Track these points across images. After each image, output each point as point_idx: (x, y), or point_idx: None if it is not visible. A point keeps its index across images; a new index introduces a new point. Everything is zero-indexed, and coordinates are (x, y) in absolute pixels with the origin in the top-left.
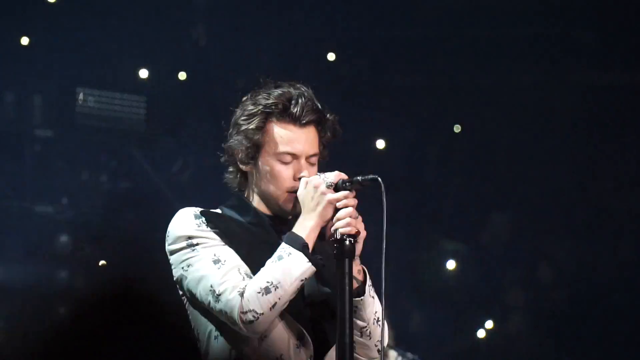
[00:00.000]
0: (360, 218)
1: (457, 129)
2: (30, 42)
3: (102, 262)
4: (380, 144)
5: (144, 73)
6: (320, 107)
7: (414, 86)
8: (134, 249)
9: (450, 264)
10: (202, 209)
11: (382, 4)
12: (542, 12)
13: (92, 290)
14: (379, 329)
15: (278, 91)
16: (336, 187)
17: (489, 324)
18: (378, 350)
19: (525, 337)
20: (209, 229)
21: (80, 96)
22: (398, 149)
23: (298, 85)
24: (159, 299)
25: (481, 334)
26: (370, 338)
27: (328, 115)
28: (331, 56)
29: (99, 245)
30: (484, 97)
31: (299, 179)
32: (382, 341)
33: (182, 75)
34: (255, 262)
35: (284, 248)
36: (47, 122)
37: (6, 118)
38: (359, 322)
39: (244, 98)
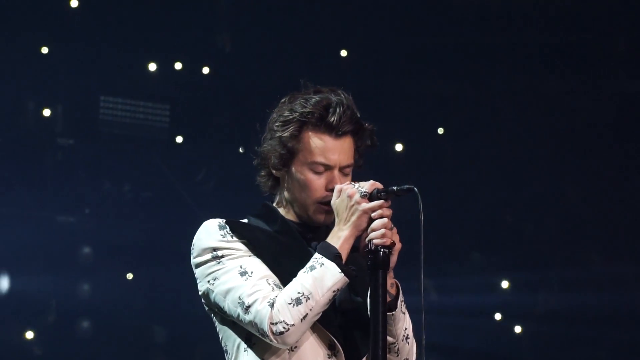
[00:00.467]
0: (395, 229)
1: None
2: (50, 51)
3: (129, 275)
4: (399, 147)
5: (162, 77)
6: (358, 116)
7: (440, 93)
8: (157, 260)
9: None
10: (227, 219)
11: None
12: (573, 19)
13: (115, 303)
14: (407, 347)
15: (316, 98)
16: (370, 197)
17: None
18: None
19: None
20: (234, 239)
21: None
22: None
23: (338, 91)
24: (184, 310)
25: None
26: (398, 355)
27: (366, 125)
28: (344, 53)
29: (122, 256)
30: (512, 105)
31: (331, 190)
32: (411, 359)
33: (205, 70)
34: (283, 272)
35: (316, 258)
36: (69, 130)
37: (28, 127)
38: (388, 338)
39: (282, 100)
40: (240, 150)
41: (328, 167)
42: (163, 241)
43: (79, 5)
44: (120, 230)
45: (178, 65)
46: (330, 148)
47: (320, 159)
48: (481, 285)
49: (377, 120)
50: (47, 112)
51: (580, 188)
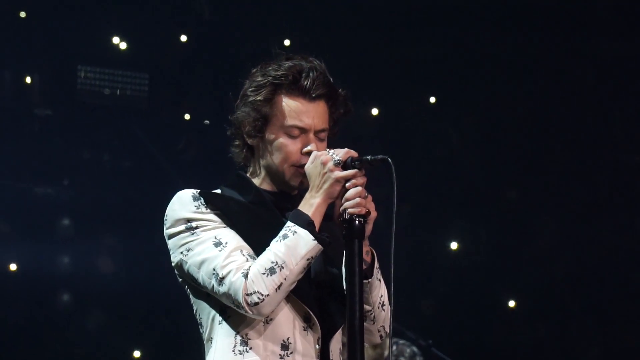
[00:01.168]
0: (370, 197)
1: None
2: (27, 16)
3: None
4: (375, 111)
5: (141, 46)
6: (331, 81)
7: (425, 57)
8: (137, 230)
9: (454, 245)
10: (200, 190)
11: None
12: None
13: (94, 277)
14: (383, 314)
15: (289, 63)
16: (345, 165)
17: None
18: (381, 336)
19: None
20: (208, 210)
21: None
22: (405, 120)
23: (310, 59)
24: (165, 284)
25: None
26: (374, 322)
27: (340, 91)
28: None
29: (102, 226)
30: (498, 69)
31: (307, 153)
32: (387, 326)
33: (183, 38)
34: (257, 243)
35: (288, 226)
36: (46, 100)
37: (3, 96)
38: (364, 306)
39: (254, 70)
40: (206, 122)
41: (303, 131)
42: (143, 210)
43: None
44: (100, 200)
45: (158, 34)
46: (305, 111)
47: (295, 121)
48: None
49: (358, 85)
50: (24, 81)
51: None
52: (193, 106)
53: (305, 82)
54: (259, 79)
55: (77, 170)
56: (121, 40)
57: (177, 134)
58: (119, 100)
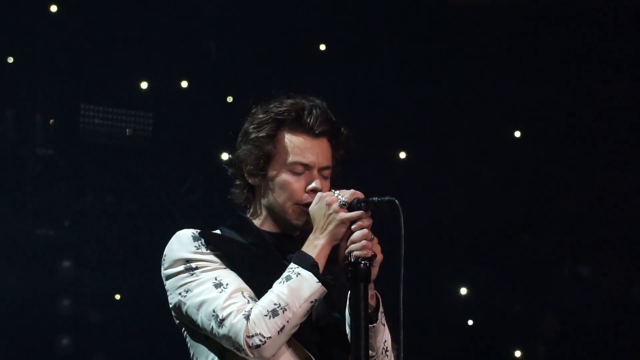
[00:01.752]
0: (376, 240)
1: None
2: (28, 56)
3: (117, 297)
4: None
5: (145, 85)
6: (334, 119)
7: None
8: (143, 275)
9: (463, 290)
10: (200, 231)
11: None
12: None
13: (99, 321)
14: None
15: (290, 100)
16: (350, 207)
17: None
18: None
19: None
20: (209, 251)
21: (127, 132)
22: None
23: (311, 98)
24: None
25: None
26: None
27: (342, 130)
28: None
29: (105, 271)
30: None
31: (311, 190)
32: None
33: (184, 84)
34: (259, 285)
35: (292, 268)
36: (49, 140)
37: (6, 136)
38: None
39: (254, 110)
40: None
41: (307, 167)
42: (149, 254)
43: (57, 10)
44: (104, 243)
45: (162, 71)
46: (309, 147)
47: (298, 158)
48: None
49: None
50: (25, 121)
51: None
52: (199, 144)
53: (309, 119)
54: (261, 116)
55: (80, 212)
56: (127, 79)
57: (182, 175)
58: (122, 139)
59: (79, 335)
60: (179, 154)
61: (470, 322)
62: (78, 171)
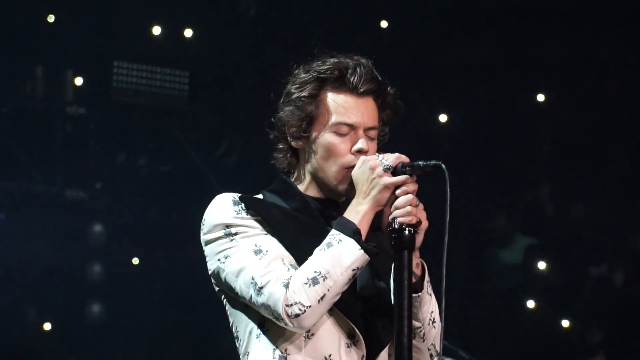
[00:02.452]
0: (421, 206)
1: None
2: (59, 16)
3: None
4: (443, 118)
5: (182, 42)
6: (379, 78)
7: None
8: (173, 240)
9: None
10: (241, 195)
11: None
12: None
13: (128, 285)
14: (434, 331)
15: (334, 59)
16: (395, 171)
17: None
18: (431, 355)
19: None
20: (249, 216)
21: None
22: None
23: (356, 56)
24: (200, 294)
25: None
26: (424, 340)
27: (389, 89)
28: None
29: (136, 235)
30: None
31: (357, 152)
32: (438, 345)
33: (226, 35)
34: (300, 252)
35: (333, 235)
36: (80, 98)
37: (36, 95)
38: (414, 322)
39: (296, 70)
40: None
41: (352, 128)
42: (180, 220)
43: None
44: (135, 207)
45: (199, 30)
46: (353, 106)
47: (343, 118)
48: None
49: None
50: (56, 79)
51: None
52: (237, 107)
53: (352, 78)
54: (303, 75)
55: (112, 174)
56: (160, 34)
57: (219, 137)
58: (156, 99)
59: (110, 300)
60: (216, 115)
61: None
62: (110, 132)
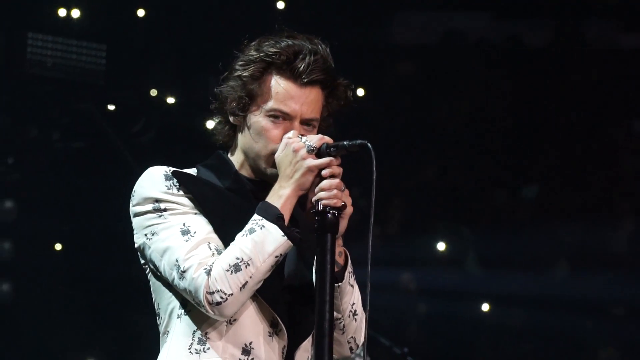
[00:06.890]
0: (347, 191)
1: None
2: None
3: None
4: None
5: (99, 14)
6: (332, 68)
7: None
8: (86, 218)
9: (441, 246)
10: (174, 169)
11: None
12: None
13: (37, 265)
14: (354, 324)
15: (288, 41)
16: (319, 153)
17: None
18: (350, 348)
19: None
20: (180, 192)
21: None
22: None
23: (316, 41)
24: (116, 273)
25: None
26: (343, 333)
27: (340, 80)
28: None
29: (47, 212)
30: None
31: None
32: (359, 338)
33: (140, 13)
34: (229, 235)
35: (255, 220)
36: None
37: None
38: (334, 313)
39: (246, 44)
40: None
41: (287, 116)
42: (94, 197)
43: None
44: (47, 184)
45: (117, 3)
46: (293, 96)
47: (280, 105)
48: None
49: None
50: None
51: None
52: (155, 82)
53: (300, 65)
54: (252, 53)
55: (24, 149)
56: (75, 7)
57: (136, 114)
58: (72, 73)
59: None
60: (133, 90)
61: None
62: (23, 104)
